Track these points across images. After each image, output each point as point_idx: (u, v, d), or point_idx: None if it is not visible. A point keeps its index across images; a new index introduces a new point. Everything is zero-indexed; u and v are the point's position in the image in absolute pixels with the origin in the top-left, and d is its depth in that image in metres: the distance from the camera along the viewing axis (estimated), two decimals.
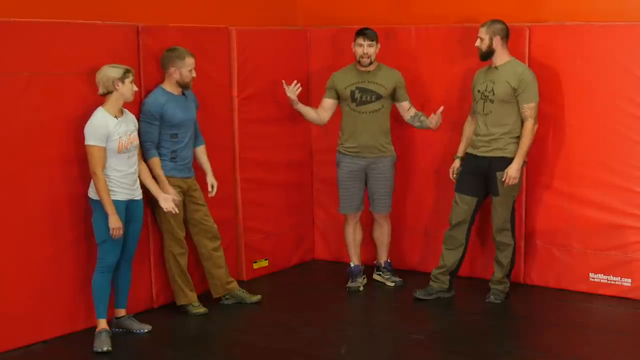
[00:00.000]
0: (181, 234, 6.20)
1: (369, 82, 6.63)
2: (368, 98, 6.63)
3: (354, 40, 6.62)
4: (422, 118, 6.68)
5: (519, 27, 6.51)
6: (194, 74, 6.07)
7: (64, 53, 5.64)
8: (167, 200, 5.87)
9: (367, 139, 6.66)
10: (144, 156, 5.95)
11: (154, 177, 5.93)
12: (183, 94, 6.13)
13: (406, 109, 6.71)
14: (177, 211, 5.95)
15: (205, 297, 6.47)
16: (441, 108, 6.49)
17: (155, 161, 5.97)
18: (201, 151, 6.34)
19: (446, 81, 6.94)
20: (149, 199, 5.99)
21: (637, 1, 6.54)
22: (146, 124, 5.96)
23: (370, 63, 6.62)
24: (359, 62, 6.64)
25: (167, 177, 6.03)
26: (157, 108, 5.98)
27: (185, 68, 6.01)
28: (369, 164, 6.71)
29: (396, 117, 6.80)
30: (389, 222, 6.97)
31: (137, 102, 5.91)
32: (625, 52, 6.30)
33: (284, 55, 7.27)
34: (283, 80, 6.78)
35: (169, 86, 6.07)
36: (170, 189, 5.97)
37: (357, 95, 6.65)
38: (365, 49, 6.57)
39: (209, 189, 6.33)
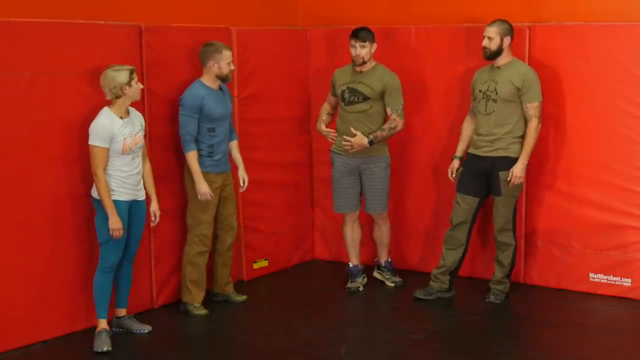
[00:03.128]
0: (210, 233, 6.24)
1: (359, 82, 6.60)
2: (355, 98, 6.61)
3: (349, 41, 6.62)
4: (385, 127, 6.59)
5: (519, 27, 6.50)
6: (232, 67, 6.17)
7: (66, 53, 5.64)
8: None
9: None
10: (183, 149, 6.06)
11: (191, 171, 6.05)
12: (220, 88, 6.21)
13: (387, 115, 6.64)
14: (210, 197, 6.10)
15: (207, 297, 6.48)
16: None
17: (193, 154, 6.06)
18: (234, 146, 6.43)
19: (446, 81, 6.95)
20: (184, 194, 6.13)
21: (637, 1, 6.54)
22: (186, 117, 6.04)
23: (363, 63, 6.60)
24: (353, 62, 6.64)
25: (205, 173, 6.10)
26: (198, 100, 6.04)
27: (224, 61, 6.09)
28: (360, 164, 6.69)
29: None
30: (388, 223, 6.96)
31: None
32: (625, 52, 6.30)
33: (284, 55, 7.28)
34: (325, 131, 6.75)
35: (208, 80, 6.14)
36: (205, 185, 6.06)
37: (347, 95, 6.65)
38: (358, 50, 6.55)
39: (240, 183, 6.43)
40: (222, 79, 6.16)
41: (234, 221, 6.46)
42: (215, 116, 6.12)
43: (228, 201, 6.36)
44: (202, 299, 6.30)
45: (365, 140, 6.50)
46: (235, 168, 6.44)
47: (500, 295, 6.47)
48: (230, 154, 6.39)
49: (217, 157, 6.18)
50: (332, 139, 6.72)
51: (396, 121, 6.57)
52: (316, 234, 7.78)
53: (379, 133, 6.54)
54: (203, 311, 6.26)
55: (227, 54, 6.11)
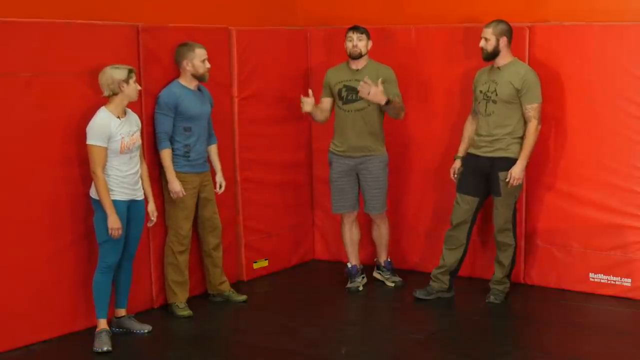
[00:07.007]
0: (185, 232, 6.21)
1: (356, 80, 6.57)
2: (353, 97, 6.58)
3: (345, 37, 6.62)
4: (398, 100, 6.55)
5: (519, 27, 6.50)
6: (207, 65, 6.15)
7: (64, 53, 5.64)
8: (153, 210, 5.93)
9: (353, 139, 6.63)
10: (157, 147, 6.06)
11: (164, 169, 6.06)
12: (199, 89, 6.21)
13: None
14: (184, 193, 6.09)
15: (201, 297, 6.50)
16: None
17: (167, 152, 6.06)
18: (213, 150, 6.42)
19: (446, 82, 6.94)
20: (159, 192, 6.08)
21: (637, 1, 6.54)
22: (161, 115, 6.05)
23: (361, 55, 6.59)
24: (349, 55, 6.63)
25: (180, 172, 6.09)
26: (173, 99, 6.05)
27: (197, 59, 6.10)
28: (357, 164, 6.69)
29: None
30: (387, 222, 6.96)
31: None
32: (625, 52, 6.30)
33: (284, 55, 7.28)
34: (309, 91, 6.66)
35: (185, 80, 6.15)
36: (177, 183, 6.04)
37: (344, 93, 6.63)
38: (355, 41, 6.56)
39: (217, 187, 6.43)
40: (199, 78, 6.15)
41: (217, 221, 6.43)
42: (192, 116, 6.11)
43: (209, 202, 6.34)
44: (185, 299, 6.28)
45: (384, 98, 6.35)
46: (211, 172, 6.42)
47: (500, 295, 6.46)
48: (209, 158, 6.37)
49: (192, 157, 6.16)
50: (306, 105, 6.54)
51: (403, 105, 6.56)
52: (316, 234, 7.78)
53: (397, 100, 6.49)
54: (187, 312, 6.21)
55: (199, 52, 6.10)
